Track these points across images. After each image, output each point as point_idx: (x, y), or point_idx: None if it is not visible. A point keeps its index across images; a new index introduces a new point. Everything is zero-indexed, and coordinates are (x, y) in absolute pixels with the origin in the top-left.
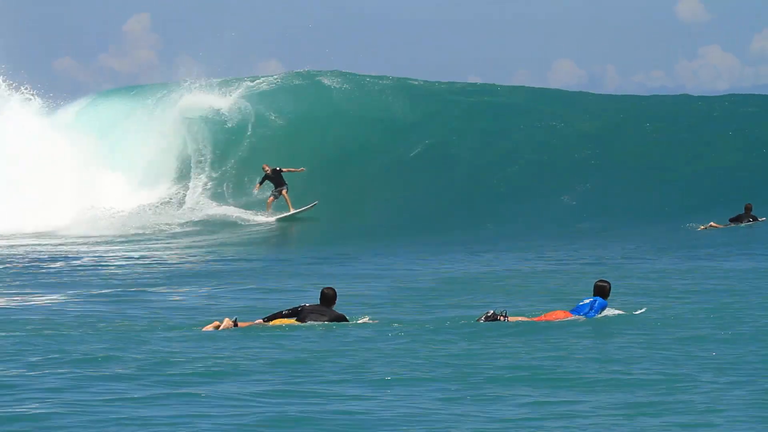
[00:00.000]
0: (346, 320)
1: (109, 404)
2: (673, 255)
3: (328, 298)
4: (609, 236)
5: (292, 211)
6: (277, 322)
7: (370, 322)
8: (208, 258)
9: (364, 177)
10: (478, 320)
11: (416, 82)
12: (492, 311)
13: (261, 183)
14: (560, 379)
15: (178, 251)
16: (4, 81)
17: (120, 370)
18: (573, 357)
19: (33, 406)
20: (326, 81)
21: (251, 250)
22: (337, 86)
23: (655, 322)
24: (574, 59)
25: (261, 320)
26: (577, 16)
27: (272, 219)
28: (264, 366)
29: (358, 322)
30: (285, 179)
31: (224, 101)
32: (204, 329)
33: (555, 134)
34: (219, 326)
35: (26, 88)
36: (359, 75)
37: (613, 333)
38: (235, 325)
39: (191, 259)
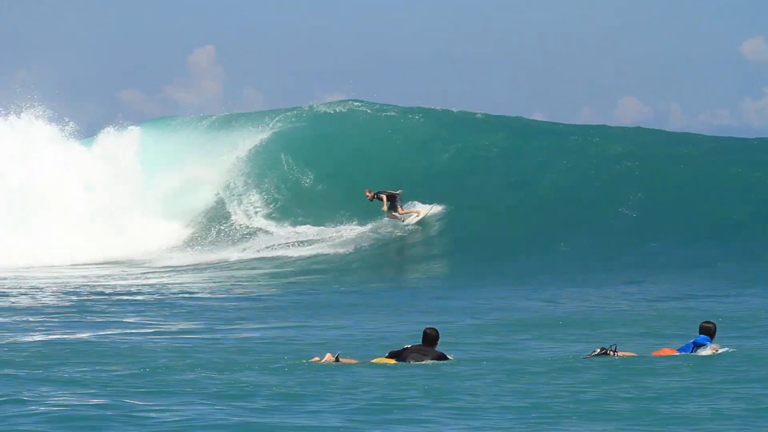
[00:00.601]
0: (448, 359)
1: None
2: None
3: (430, 338)
4: (695, 271)
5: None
6: (379, 361)
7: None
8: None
9: (447, 207)
10: (588, 356)
11: (480, 116)
12: (601, 348)
13: (384, 202)
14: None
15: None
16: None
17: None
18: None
19: None
20: (392, 113)
21: (336, 280)
22: (403, 117)
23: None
24: (638, 96)
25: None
26: (641, 53)
27: (408, 221)
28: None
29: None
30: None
31: (287, 129)
32: (310, 361)
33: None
34: (320, 360)
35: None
36: (424, 108)
37: (716, 369)
38: (337, 360)
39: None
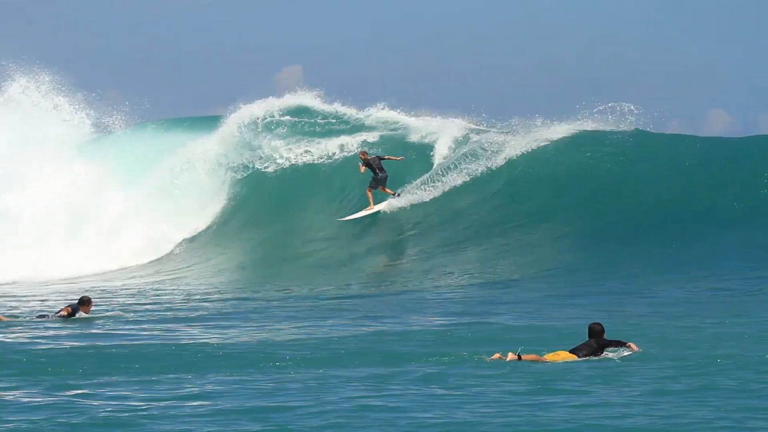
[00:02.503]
0: (617, 348)
1: None
2: None
3: (596, 332)
4: None
5: (388, 201)
6: (553, 356)
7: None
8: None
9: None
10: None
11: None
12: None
13: (364, 167)
14: None
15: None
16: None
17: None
18: None
19: None
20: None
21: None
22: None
23: None
24: (726, 108)
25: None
26: (728, 65)
27: (377, 208)
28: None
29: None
30: (386, 169)
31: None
32: (489, 359)
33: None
34: (504, 358)
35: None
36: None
37: None
38: (519, 358)
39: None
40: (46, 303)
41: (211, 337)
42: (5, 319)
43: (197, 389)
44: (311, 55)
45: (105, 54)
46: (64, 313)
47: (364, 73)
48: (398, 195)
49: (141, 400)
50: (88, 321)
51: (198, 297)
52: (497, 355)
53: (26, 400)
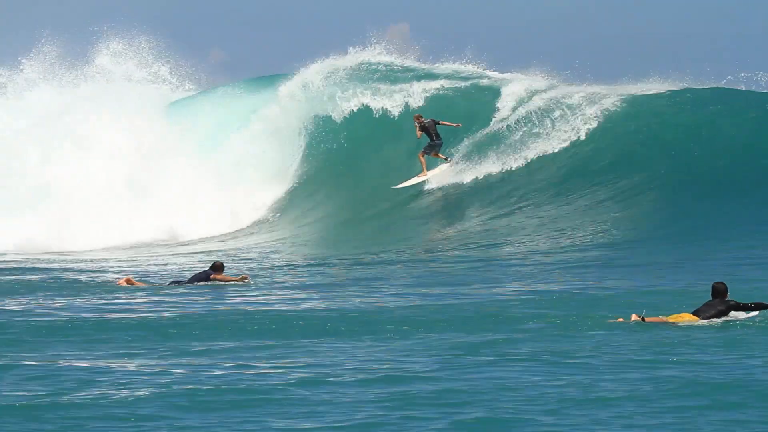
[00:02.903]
0: (739, 309)
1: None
2: None
3: (719, 291)
4: None
5: (428, 173)
6: (676, 318)
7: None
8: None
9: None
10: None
11: None
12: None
13: (421, 131)
14: None
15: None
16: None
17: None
18: None
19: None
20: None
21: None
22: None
23: None
24: None
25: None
26: None
27: (430, 174)
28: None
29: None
30: (441, 136)
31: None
32: (611, 321)
33: None
34: (627, 321)
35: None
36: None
37: None
38: (643, 320)
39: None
40: (137, 269)
41: (334, 304)
42: (140, 284)
43: (344, 357)
44: (418, 11)
45: (204, 12)
46: (196, 279)
47: (471, 31)
48: (450, 161)
49: (276, 368)
50: (221, 287)
51: (300, 264)
52: (621, 318)
53: (154, 363)
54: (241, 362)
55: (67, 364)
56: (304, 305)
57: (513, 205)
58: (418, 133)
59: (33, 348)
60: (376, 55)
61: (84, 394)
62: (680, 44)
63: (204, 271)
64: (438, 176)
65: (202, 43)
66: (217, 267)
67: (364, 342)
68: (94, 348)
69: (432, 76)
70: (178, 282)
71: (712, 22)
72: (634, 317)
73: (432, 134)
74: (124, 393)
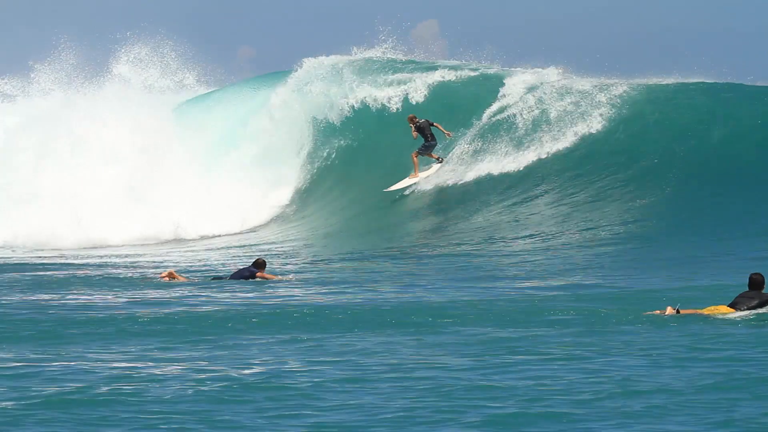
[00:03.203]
0: None
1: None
2: None
3: (756, 283)
4: None
5: (421, 175)
6: (712, 310)
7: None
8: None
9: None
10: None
11: None
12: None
13: (416, 132)
14: None
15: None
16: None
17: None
18: None
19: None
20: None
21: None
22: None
23: None
24: None
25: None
26: None
27: (424, 176)
28: None
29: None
30: (436, 137)
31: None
32: (645, 314)
33: None
34: (663, 313)
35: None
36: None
37: None
38: (678, 312)
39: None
40: (179, 264)
41: (367, 298)
42: (182, 279)
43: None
44: (447, 8)
45: (232, 9)
46: (239, 275)
47: (503, 27)
48: (443, 161)
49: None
50: (262, 284)
51: (332, 258)
52: (658, 311)
53: (194, 355)
54: (276, 357)
55: (104, 358)
56: (338, 299)
57: (536, 197)
58: (414, 133)
59: (71, 342)
60: (384, 51)
61: (121, 388)
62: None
63: (247, 267)
64: (432, 176)
65: (230, 41)
66: (260, 264)
67: (396, 336)
68: (134, 343)
69: (435, 68)
70: (220, 278)
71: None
72: (669, 310)
73: (427, 135)
74: (162, 388)
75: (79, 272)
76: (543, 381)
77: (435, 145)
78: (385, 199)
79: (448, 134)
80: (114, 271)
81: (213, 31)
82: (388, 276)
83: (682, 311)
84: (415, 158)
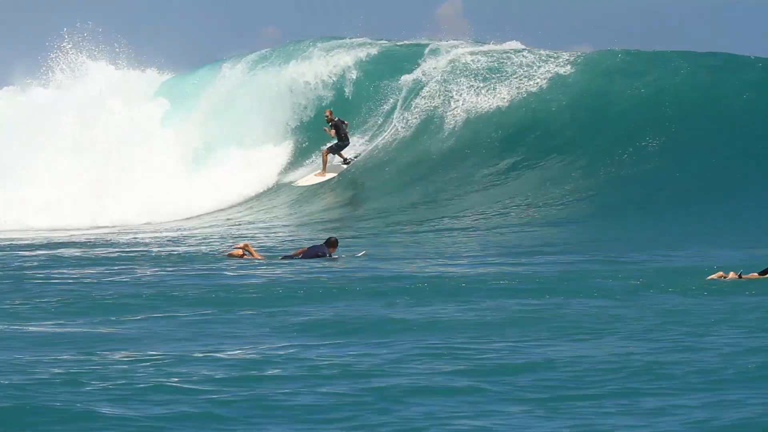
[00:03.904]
0: None
1: None
2: None
3: None
4: None
5: (323, 176)
6: None
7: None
8: None
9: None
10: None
11: None
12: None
13: (333, 130)
14: None
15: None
16: None
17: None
18: None
19: None
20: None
21: None
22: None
23: None
24: None
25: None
26: None
27: (330, 176)
28: None
29: None
30: (348, 137)
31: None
32: (709, 278)
33: None
34: (725, 277)
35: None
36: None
37: None
38: (740, 277)
39: None
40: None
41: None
42: (256, 254)
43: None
44: None
45: None
46: (301, 253)
47: (530, 8)
48: (350, 163)
49: None
50: (334, 261)
51: (385, 231)
52: (719, 274)
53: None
54: (339, 340)
55: (164, 337)
56: (402, 271)
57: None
58: (331, 131)
59: (132, 312)
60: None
61: (189, 372)
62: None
63: (319, 246)
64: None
65: (255, 20)
66: (332, 243)
67: (449, 308)
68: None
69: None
70: (290, 257)
71: None
72: (732, 274)
73: (342, 134)
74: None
75: (135, 250)
76: (585, 356)
77: (347, 145)
78: (406, 175)
79: (347, 142)
80: (176, 248)
81: (237, 10)
82: (433, 248)
83: (744, 276)
84: (325, 156)
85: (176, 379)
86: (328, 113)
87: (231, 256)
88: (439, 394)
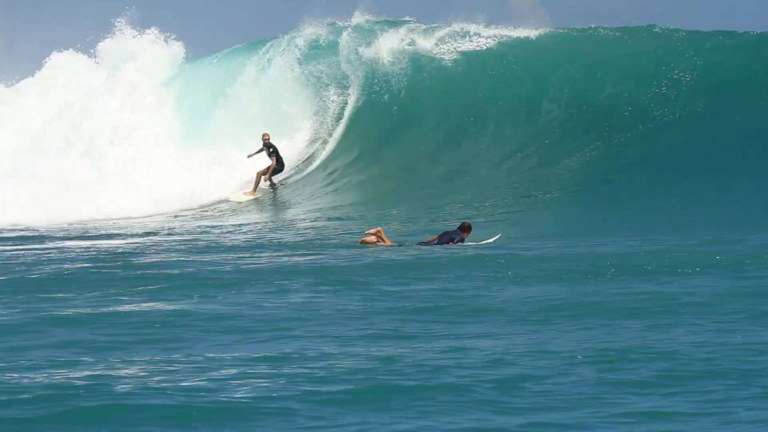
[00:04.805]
0: None
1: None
2: None
3: None
4: None
5: (252, 195)
6: None
7: None
8: None
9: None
10: None
11: None
12: None
13: (258, 152)
14: None
15: None
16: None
17: None
18: None
19: None
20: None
21: None
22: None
23: None
24: None
25: None
26: None
27: (257, 196)
28: None
29: None
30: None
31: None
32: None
33: None
34: None
35: None
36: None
37: None
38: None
39: None
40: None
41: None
42: (387, 241)
43: None
44: None
45: None
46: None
47: None
48: (275, 189)
49: None
50: (462, 248)
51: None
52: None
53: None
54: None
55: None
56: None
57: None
58: (267, 153)
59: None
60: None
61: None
62: None
63: (454, 231)
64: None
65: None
66: (466, 228)
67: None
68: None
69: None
70: (425, 243)
71: None
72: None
73: (279, 158)
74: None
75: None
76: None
77: (281, 170)
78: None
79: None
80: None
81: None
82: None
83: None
84: (258, 176)
85: None
86: (265, 138)
87: (364, 242)
88: None
